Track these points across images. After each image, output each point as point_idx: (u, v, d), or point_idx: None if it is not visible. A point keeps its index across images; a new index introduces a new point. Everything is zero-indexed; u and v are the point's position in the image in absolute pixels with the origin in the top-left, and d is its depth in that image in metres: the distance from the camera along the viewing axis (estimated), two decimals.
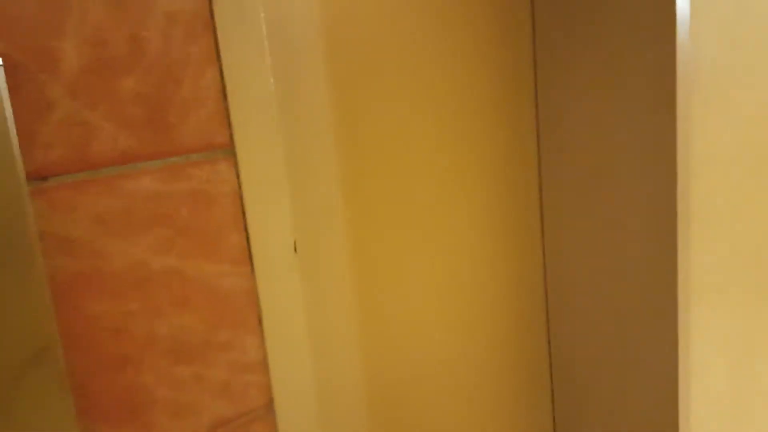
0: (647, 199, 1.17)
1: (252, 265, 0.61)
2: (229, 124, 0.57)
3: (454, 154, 1.06)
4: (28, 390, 0.51)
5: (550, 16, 1.16)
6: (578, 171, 1.26)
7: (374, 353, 1.07)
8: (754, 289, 1.44)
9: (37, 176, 0.49)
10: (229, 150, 0.58)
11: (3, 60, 0.48)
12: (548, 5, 1.16)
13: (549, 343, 1.44)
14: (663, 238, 1.20)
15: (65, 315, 0.51)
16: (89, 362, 0.53)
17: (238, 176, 0.59)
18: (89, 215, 0.52)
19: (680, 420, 1.30)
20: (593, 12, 1.10)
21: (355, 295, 0.96)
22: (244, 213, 0.60)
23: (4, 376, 0.51)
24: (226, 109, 0.57)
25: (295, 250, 0.64)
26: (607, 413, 1.43)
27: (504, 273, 1.30)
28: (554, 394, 1.49)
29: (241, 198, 0.59)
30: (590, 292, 1.37)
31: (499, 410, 1.37)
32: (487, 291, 1.25)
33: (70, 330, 0.52)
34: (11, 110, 0.47)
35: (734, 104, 1.15)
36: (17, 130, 0.49)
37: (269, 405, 0.66)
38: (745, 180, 1.30)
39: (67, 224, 0.51)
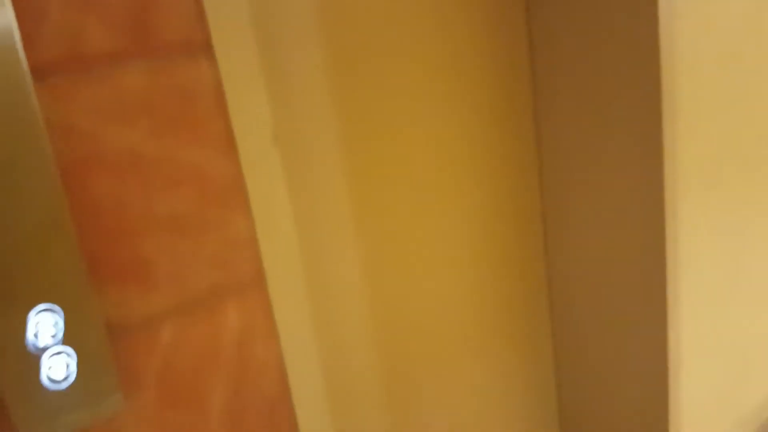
0: (632, 92, 1.20)
1: (236, 152, 0.70)
2: (205, 22, 0.65)
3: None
4: (46, 256, 0.61)
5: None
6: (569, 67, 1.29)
7: (363, 232, 1.15)
8: (741, 183, 1.47)
9: (37, 75, 0.58)
10: (208, 47, 0.65)
11: None
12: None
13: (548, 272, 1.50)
14: (648, 132, 1.23)
15: (72, 192, 0.61)
16: (96, 233, 0.64)
17: (216, 71, 0.67)
18: (86, 106, 0.61)
19: (668, 313, 1.37)
20: None
21: (342, 181, 1.04)
22: (225, 105, 0.68)
23: (28, 246, 0.61)
24: (202, 11, 0.64)
25: (276, 139, 0.73)
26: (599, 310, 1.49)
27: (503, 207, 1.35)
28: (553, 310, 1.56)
29: (221, 91, 0.67)
30: (584, 180, 1.41)
31: (500, 354, 1.44)
32: (489, 228, 1.32)
33: (76, 207, 0.62)
34: (13, 14, 0.56)
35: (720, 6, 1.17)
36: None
37: (260, 276, 0.75)
38: (732, 73, 1.33)
39: (68, 114, 0.60)
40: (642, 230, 1.34)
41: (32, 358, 0.61)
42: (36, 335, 0.60)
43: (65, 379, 0.63)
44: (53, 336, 0.62)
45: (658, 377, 1.45)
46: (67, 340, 0.63)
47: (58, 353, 0.63)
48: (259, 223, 0.73)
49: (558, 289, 1.57)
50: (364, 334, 1.25)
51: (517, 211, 1.44)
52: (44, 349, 0.62)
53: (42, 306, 0.62)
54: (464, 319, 1.41)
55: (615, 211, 1.38)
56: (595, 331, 1.53)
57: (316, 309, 1.13)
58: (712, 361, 1.60)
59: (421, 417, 1.37)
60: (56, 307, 0.62)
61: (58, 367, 0.63)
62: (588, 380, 1.59)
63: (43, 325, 0.62)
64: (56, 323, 0.62)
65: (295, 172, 0.97)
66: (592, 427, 1.64)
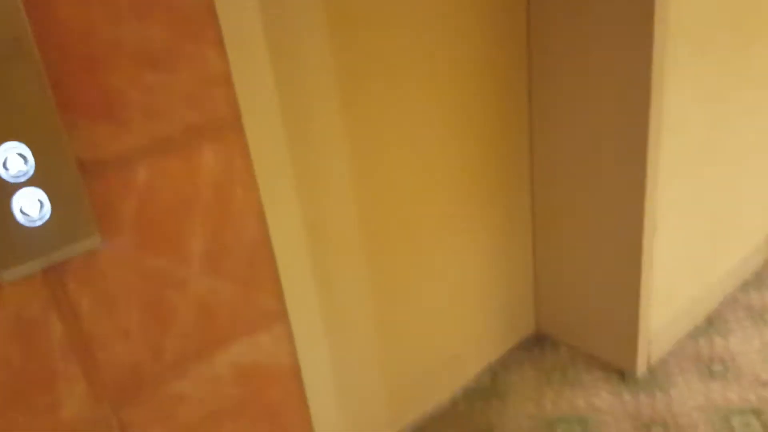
0: None
1: None
2: None
3: None
4: (10, 86, 0.57)
5: None
6: None
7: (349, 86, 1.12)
8: (728, 51, 1.46)
9: None
10: None
11: None
12: None
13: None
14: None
15: (37, 17, 0.57)
16: (63, 61, 0.60)
17: None
18: None
19: (647, 178, 1.38)
20: None
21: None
22: None
23: None
24: None
25: None
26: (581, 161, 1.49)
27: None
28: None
29: None
30: (572, 40, 1.39)
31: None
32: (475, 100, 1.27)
33: (42, 30, 0.58)
34: None
35: None
36: None
37: (236, 117, 0.73)
38: None
39: None
40: (627, 95, 1.33)
41: (3, 192, 0.59)
42: (5, 165, 0.58)
43: (40, 217, 0.62)
44: (24, 173, 0.60)
45: (632, 241, 1.49)
46: (38, 178, 0.61)
47: (30, 190, 0.61)
48: (235, 58, 0.70)
49: (540, 156, 1.57)
50: (348, 190, 1.24)
51: (503, 84, 1.42)
52: (15, 185, 0.60)
53: (10, 144, 0.59)
54: (449, 193, 1.41)
55: (601, 74, 1.36)
56: (574, 195, 1.55)
57: (298, 157, 1.11)
58: (686, 227, 1.65)
59: (400, 286, 1.40)
60: (23, 146, 0.59)
61: (31, 204, 0.61)
62: (564, 244, 1.63)
63: (12, 158, 0.59)
64: (26, 160, 0.60)
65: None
66: (567, 290, 1.69)
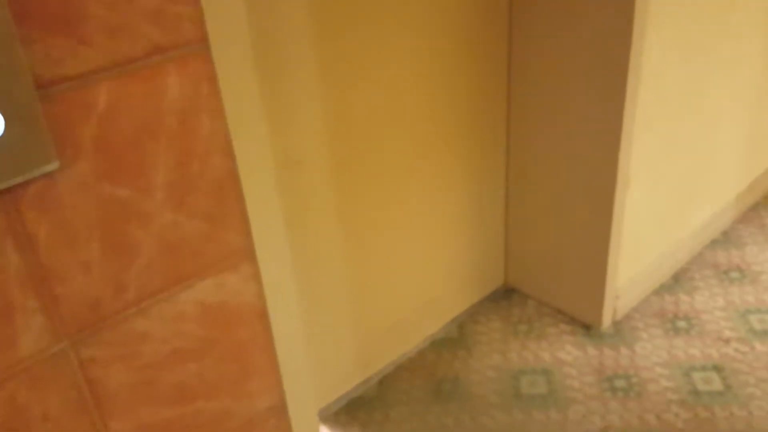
0: None
1: None
2: None
3: None
4: None
5: None
6: None
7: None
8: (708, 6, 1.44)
9: None
10: None
11: None
12: None
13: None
14: None
15: None
16: None
17: None
18: None
19: (622, 130, 1.37)
20: None
21: None
22: None
23: None
24: None
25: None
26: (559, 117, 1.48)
27: None
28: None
29: None
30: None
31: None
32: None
33: None
34: None
35: None
36: None
37: (204, 40, 0.69)
38: None
39: None
40: (606, 42, 1.30)
41: None
42: None
43: None
44: None
45: (604, 195, 1.48)
46: None
47: None
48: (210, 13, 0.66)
49: (516, 107, 1.55)
50: (322, 130, 1.20)
51: (482, 31, 1.38)
52: None
53: None
54: (422, 143, 1.38)
55: (580, 21, 1.33)
56: (548, 148, 1.54)
57: (271, 92, 1.07)
58: (658, 183, 1.64)
59: (371, 233, 1.38)
60: None
61: None
62: (536, 198, 1.62)
63: None
64: None
65: None
66: (536, 245, 1.69)
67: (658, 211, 1.68)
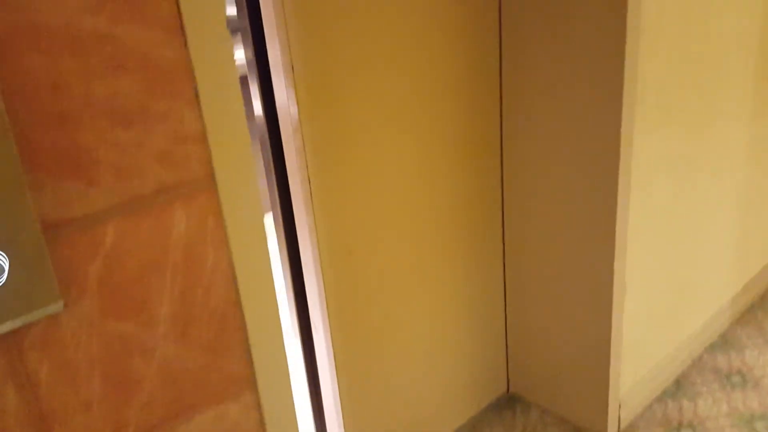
0: (600, 28, 1.19)
1: (185, 35, 0.64)
2: None
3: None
4: None
5: None
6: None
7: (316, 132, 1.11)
8: (695, 119, 1.50)
9: None
10: None
11: None
12: None
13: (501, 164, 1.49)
14: (612, 48, 1.22)
15: (3, 66, 0.54)
16: (30, 116, 0.57)
17: None
18: None
19: (616, 242, 1.39)
20: None
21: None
22: None
23: None
24: None
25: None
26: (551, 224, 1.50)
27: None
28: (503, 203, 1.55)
29: None
30: (544, 108, 1.41)
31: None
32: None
33: (9, 82, 0.55)
34: None
35: None
36: None
37: (210, 176, 0.70)
38: (690, 12, 1.33)
39: None
40: (597, 157, 1.34)
41: None
42: None
43: None
44: None
45: (602, 302, 1.48)
46: None
47: None
48: (210, 116, 0.68)
49: (512, 219, 1.57)
50: (324, 244, 1.21)
51: (476, 144, 1.42)
52: None
53: None
54: (423, 256, 1.38)
55: (571, 138, 1.37)
56: (544, 258, 1.55)
57: (321, 184, 1.08)
58: (653, 288, 1.65)
59: (371, 347, 1.36)
60: None
61: None
62: (535, 306, 1.62)
63: None
64: None
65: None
66: (538, 352, 1.67)
67: (656, 317, 1.67)
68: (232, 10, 1.07)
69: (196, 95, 0.66)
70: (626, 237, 1.42)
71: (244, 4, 1.03)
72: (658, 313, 1.67)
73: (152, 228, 0.67)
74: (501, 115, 1.48)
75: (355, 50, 1.07)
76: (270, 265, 0.77)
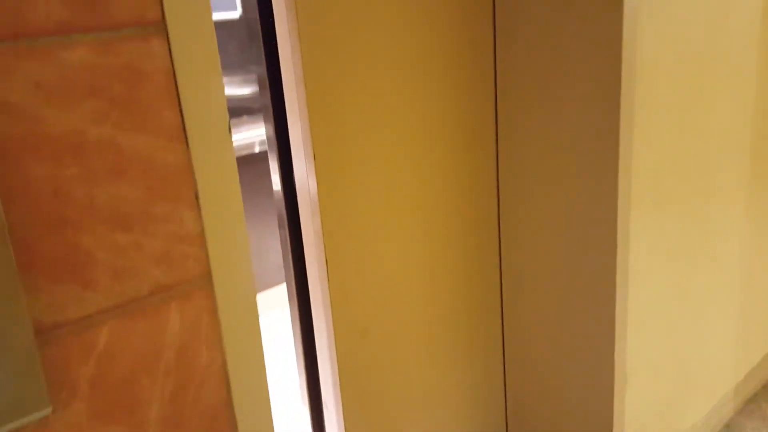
0: (593, 113, 1.21)
1: (186, 141, 0.65)
2: (161, 1, 0.60)
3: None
4: None
5: None
6: (528, 84, 1.30)
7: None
8: (690, 203, 1.51)
9: None
10: (160, 26, 0.60)
11: None
12: None
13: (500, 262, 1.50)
14: (606, 138, 1.24)
15: (5, 175, 0.55)
16: (30, 221, 0.57)
17: (170, 53, 0.61)
18: (26, 81, 0.55)
19: (616, 329, 1.38)
20: None
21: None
22: (177, 90, 0.63)
23: None
24: None
25: (230, 130, 0.68)
26: (551, 316, 1.50)
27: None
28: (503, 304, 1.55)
29: (174, 75, 0.62)
30: (540, 194, 1.42)
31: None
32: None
33: (9, 189, 0.55)
34: None
35: (677, 14, 1.19)
36: None
37: (207, 276, 0.70)
38: (684, 102, 1.36)
39: (5, 89, 0.54)
40: (593, 247, 1.34)
41: None
42: None
43: None
44: None
45: (603, 392, 1.46)
46: None
47: None
48: (210, 218, 0.68)
49: (510, 302, 1.56)
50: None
51: (476, 227, 1.43)
52: None
53: None
54: (423, 328, 1.38)
55: (568, 229, 1.38)
56: (543, 349, 1.53)
57: (338, 260, 1.08)
58: (655, 379, 1.63)
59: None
60: None
61: None
62: (536, 403, 1.59)
63: None
64: None
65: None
66: None
67: (658, 406, 1.64)
68: (255, 88, 1.12)
69: (197, 197, 0.67)
70: (626, 326, 1.41)
71: (267, 84, 1.07)
72: (660, 402, 1.64)
73: (146, 329, 0.67)
74: (498, 228, 1.49)
75: (375, 130, 1.10)
76: (264, 365, 0.76)
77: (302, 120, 1.01)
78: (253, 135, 2.30)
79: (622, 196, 1.29)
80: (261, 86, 1.09)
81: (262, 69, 1.09)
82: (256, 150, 2.32)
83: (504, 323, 1.60)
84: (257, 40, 1.07)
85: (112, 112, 0.60)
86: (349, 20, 0.99)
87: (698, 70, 1.40)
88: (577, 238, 1.37)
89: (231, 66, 2.63)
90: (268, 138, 1.14)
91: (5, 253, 0.55)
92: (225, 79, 2.68)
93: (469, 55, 1.23)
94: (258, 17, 1.05)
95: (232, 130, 2.30)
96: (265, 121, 1.12)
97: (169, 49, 0.61)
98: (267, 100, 1.09)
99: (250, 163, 2.24)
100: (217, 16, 2.55)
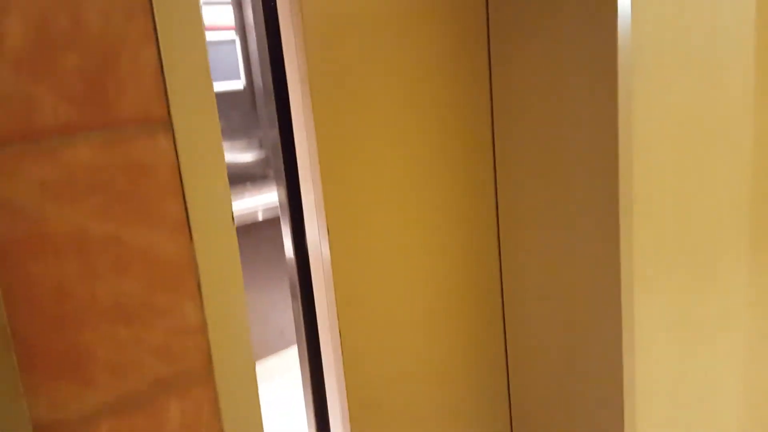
0: (592, 192, 1.22)
1: (190, 233, 0.65)
2: (167, 98, 0.61)
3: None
4: None
5: (504, 17, 1.21)
6: (529, 168, 1.31)
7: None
8: (691, 274, 1.51)
9: None
10: (166, 123, 0.61)
11: None
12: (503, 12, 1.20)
13: (505, 338, 1.49)
14: (607, 231, 1.25)
15: (7, 274, 0.55)
16: (31, 320, 0.57)
17: (175, 148, 0.62)
18: (31, 182, 0.55)
19: (625, 396, 1.36)
20: (542, 9, 1.15)
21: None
22: (182, 184, 0.63)
23: None
24: (164, 84, 0.60)
25: (233, 220, 0.68)
26: (558, 395, 1.48)
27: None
28: (510, 385, 1.54)
29: (178, 169, 0.63)
30: (543, 278, 1.42)
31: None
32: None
33: (11, 289, 0.55)
34: None
35: (671, 101, 1.21)
36: None
37: (208, 366, 0.69)
38: (682, 174, 1.37)
39: (9, 189, 0.54)
40: (598, 324, 1.33)
41: None
42: None
43: None
44: None
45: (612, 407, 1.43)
46: None
47: None
48: (212, 309, 0.68)
49: (517, 380, 1.54)
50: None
51: (485, 287, 1.42)
52: None
53: None
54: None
55: (572, 302, 1.37)
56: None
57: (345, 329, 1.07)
58: (659, 337, 1.58)
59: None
60: None
61: None
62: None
63: None
64: None
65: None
66: None
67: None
68: (257, 155, 1.14)
69: (199, 288, 0.67)
70: (635, 396, 1.39)
71: (280, 148, 1.09)
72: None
73: (146, 423, 0.65)
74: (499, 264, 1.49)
75: (389, 194, 1.10)
76: None
77: (315, 185, 1.02)
78: (256, 203, 2.31)
79: (624, 266, 1.29)
80: (273, 151, 1.11)
81: (275, 133, 1.11)
82: (260, 218, 2.33)
83: (509, 373, 1.57)
84: (270, 105, 1.10)
85: (115, 207, 0.60)
86: (360, 91, 1.01)
87: (695, 135, 1.41)
88: (582, 318, 1.36)
89: (234, 133, 2.67)
90: (280, 203, 1.16)
91: (6, 354, 0.54)
92: (227, 145, 2.72)
93: (470, 111, 1.24)
94: (272, 83, 1.07)
95: (236, 198, 2.31)
96: (278, 186, 1.15)
97: (175, 144, 0.62)
98: (280, 164, 1.11)
99: (253, 231, 2.25)
100: (223, 86, 2.60)
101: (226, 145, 2.65)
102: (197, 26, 0.61)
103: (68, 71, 0.56)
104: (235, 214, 2.31)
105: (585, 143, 1.18)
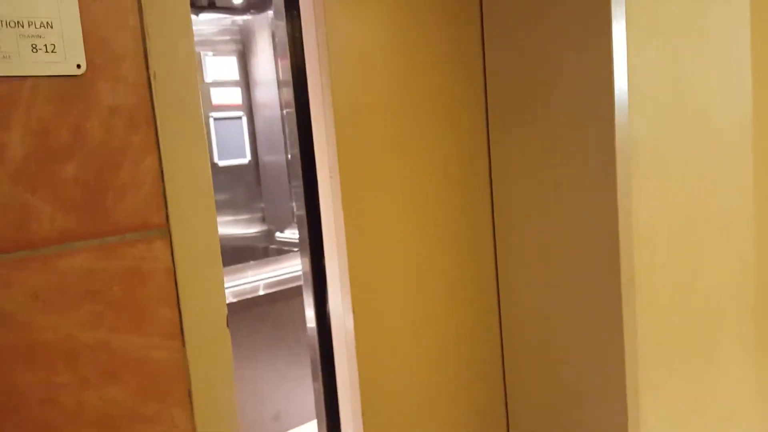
0: (594, 271, 1.21)
1: (183, 339, 0.64)
2: (166, 206, 0.61)
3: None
4: None
5: (502, 95, 1.22)
6: (529, 251, 1.31)
7: None
8: (695, 349, 1.48)
9: None
10: (164, 230, 0.61)
11: None
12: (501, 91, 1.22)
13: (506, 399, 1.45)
14: (609, 307, 1.23)
15: None
16: (17, 428, 0.55)
17: (172, 254, 0.62)
18: (24, 291, 0.54)
19: None
20: (540, 99, 1.16)
21: None
22: (177, 289, 0.63)
23: None
24: (163, 192, 0.60)
25: (228, 324, 0.67)
26: None
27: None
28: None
29: (174, 275, 0.62)
30: (544, 346, 1.39)
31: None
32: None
33: None
34: None
35: (670, 180, 1.21)
36: None
37: None
38: (684, 248, 1.36)
39: (2, 298, 0.54)
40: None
41: None
42: None
43: None
44: None
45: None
46: None
47: None
48: (202, 416, 0.66)
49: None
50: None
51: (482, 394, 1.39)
52: None
53: None
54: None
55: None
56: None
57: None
58: (662, 415, 1.52)
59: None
60: None
61: None
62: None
63: None
64: None
65: None
66: None
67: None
68: (261, 228, 1.15)
69: (189, 395, 0.65)
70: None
71: (305, 222, 1.12)
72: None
73: None
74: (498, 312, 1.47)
75: (410, 266, 1.10)
76: None
77: (340, 256, 1.02)
78: (258, 278, 2.30)
79: (629, 354, 1.26)
80: (299, 222, 1.14)
81: (302, 205, 1.13)
82: (261, 293, 2.31)
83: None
84: (297, 178, 1.13)
85: (107, 315, 0.59)
86: (384, 169, 1.02)
87: (693, 230, 1.41)
88: (588, 402, 1.33)
89: (238, 206, 2.68)
90: (303, 273, 1.17)
91: None
92: (232, 219, 2.72)
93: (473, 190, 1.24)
94: (299, 156, 1.10)
95: (238, 274, 2.30)
96: (302, 256, 1.17)
97: (172, 250, 0.62)
98: (305, 235, 1.13)
99: (253, 306, 2.23)
100: (231, 162, 2.63)
101: (229, 218, 2.66)
102: (199, 135, 0.62)
103: (67, 181, 0.56)
104: (236, 289, 2.29)
105: (585, 233, 1.18)
